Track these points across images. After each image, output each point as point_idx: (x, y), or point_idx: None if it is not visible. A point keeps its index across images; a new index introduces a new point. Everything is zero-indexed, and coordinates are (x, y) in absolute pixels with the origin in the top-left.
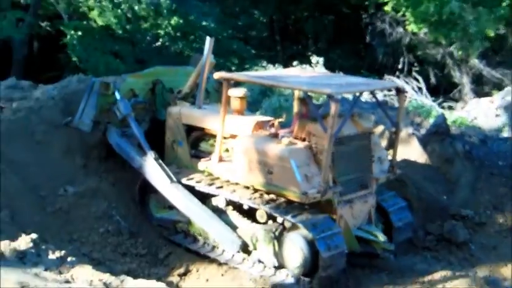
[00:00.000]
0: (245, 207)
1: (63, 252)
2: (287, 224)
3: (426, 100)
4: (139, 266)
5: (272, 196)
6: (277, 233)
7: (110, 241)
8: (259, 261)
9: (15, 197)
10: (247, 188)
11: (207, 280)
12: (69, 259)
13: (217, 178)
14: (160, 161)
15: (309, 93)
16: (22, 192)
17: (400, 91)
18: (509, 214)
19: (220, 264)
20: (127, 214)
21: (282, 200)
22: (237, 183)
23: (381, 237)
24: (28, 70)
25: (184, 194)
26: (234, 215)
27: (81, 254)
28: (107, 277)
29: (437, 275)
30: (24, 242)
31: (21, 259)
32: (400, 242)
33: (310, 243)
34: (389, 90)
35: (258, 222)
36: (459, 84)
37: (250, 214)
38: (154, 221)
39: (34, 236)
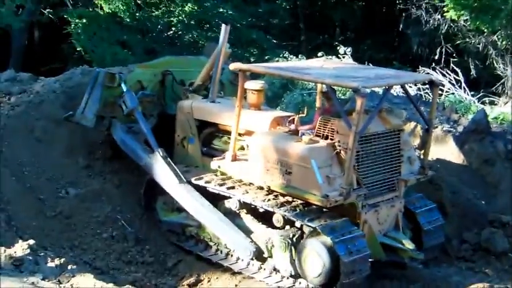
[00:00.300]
0: (260, 210)
1: (63, 259)
2: (306, 229)
3: (465, 94)
4: (146, 275)
5: (290, 198)
6: (294, 239)
7: (114, 248)
8: (275, 269)
9: (12, 200)
10: (263, 189)
11: None
12: (69, 267)
13: (231, 178)
14: (169, 160)
15: (333, 87)
16: (19, 194)
17: (434, 84)
18: None
19: (234, 273)
20: (133, 219)
21: (301, 202)
22: (251, 184)
23: (409, 245)
24: (28, 61)
25: (194, 196)
26: (248, 219)
27: (83, 262)
28: (111, 287)
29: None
30: (21, 248)
31: (18, 267)
32: (430, 248)
33: (331, 250)
34: (424, 83)
35: (274, 227)
36: (502, 76)
37: (265, 218)
38: (162, 225)
39: (32, 242)
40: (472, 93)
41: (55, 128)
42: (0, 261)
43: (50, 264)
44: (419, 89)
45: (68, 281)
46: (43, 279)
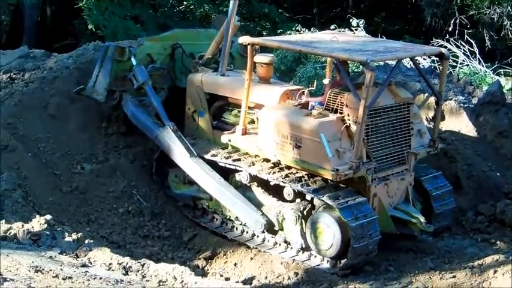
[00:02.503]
0: (271, 183)
1: (79, 234)
2: (316, 203)
3: (479, 66)
4: (162, 249)
5: (300, 172)
6: (305, 212)
7: (130, 223)
8: (286, 241)
9: (29, 176)
10: (274, 162)
11: (235, 264)
12: (86, 242)
13: (241, 152)
14: (180, 133)
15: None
16: (36, 170)
17: (443, 57)
18: None
19: (249, 247)
20: (148, 193)
21: (311, 176)
22: (262, 158)
23: (419, 218)
24: (41, 38)
25: (205, 169)
26: (258, 192)
27: (99, 237)
28: (127, 261)
29: (488, 260)
30: (38, 223)
31: (35, 242)
32: (442, 214)
33: (340, 221)
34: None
35: (284, 200)
36: None
37: (276, 191)
38: (173, 198)
39: (49, 217)
40: (487, 64)
41: (69, 104)
42: (18, 236)
43: (67, 238)
44: (433, 61)
45: (85, 255)
46: (61, 253)
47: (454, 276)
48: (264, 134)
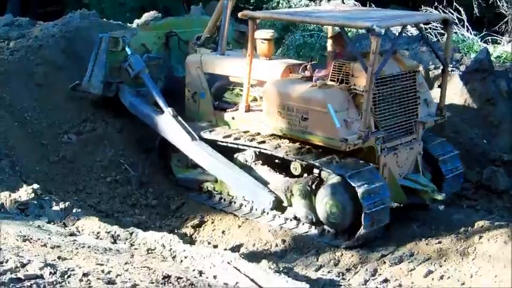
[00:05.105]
0: (276, 160)
1: (67, 203)
2: (325, 175)
3: (467, 33)
4: (150, 217)
5: (306, 146)
6: (313, 186)
7: (118, 191)
8: (295, 217)
9: (16, 145)
10: (278, 138)
11: (223, 232)
12: (74, 211)
13: (244, 131)
14: (180, 118)
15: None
16: (22, 140)
17: (447, 23)
18: None
19: (236, 215)
20: (136, 162)
21: (318, 149)
22: (267, 135)
23: (430, 187)
24: (25, 5)
25: (208, 151)
26: (264, 170)
27: (87, 206)
28: (115, 229)
29: (474, 226)
30: (25, 193)
31: (23, 211)
32: (447, 195)
33: (352, 194)
34: (426, 24)
35: (291, 176)
36: (506, 15)
37: (282, 167)
38: (177, 182)
39: (36, 186)
40: (475, 32)
41: (56, 73)
42: (6, 206)
43: (55, 208)
44: (420, 29)
45: (73, 224)
46: (48, 222)
47: (439, 242)
48: (268, 109)
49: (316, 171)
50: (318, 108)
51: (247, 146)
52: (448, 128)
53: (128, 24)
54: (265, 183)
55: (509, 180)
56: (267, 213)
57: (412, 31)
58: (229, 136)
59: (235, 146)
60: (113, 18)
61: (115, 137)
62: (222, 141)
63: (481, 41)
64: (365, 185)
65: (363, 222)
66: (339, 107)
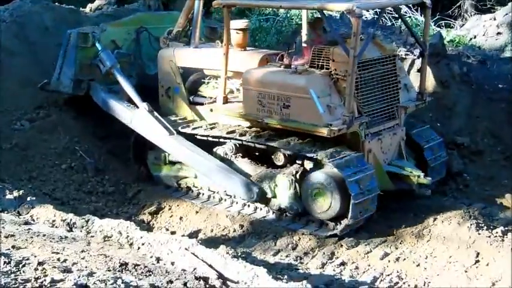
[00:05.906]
0: (257, 152)
1: (21, 191)
2: (307, 165)
3: (421, 18)
4: (107, 205)
5: (289, 135)
6: (298, 176)
7: (73, 179)
8: (280, 209)
9: None
10: (259, 128)
11: (181, 218)
12: (28, 199)
13: (222, 124)
14: (156, 113)
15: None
16: None
17: (425, 6)
18: (509, 142)
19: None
20: (91, 149)
21: (301, 137)
22: (246, 126)
23: (416, 171)
24: None
25: (186, 145)
26: (245, 162)
27: (42, 194)
28: (71, 217)
29: (428, 208)
30: None
31: None
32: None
33: (339, 181)
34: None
35: (275, 166)
36: None
37: (264, 158)
38: (156, 180)
39: None
40: None
41: (8, 59)
42: None
43: (9, 196)
44: (375, 13)
45: (28, 212)
46: (2, 211)
47: (395, 225)
48: (247, 99)
49: (299, 161)
50: (300, 95)
51: (229, 138)
52: None
53: (81, 8)
54: (247, 176)
55: (463, 163)
56: (225, 200)
57: (367, 15)
58: (209, 129)
59: (216, 139)
60: (65, 3)
61: (70, 124)
62: (202, 135)
63: (434, 25)
64: (353, 174)
65: (350, 212)
66: (321, 92)
